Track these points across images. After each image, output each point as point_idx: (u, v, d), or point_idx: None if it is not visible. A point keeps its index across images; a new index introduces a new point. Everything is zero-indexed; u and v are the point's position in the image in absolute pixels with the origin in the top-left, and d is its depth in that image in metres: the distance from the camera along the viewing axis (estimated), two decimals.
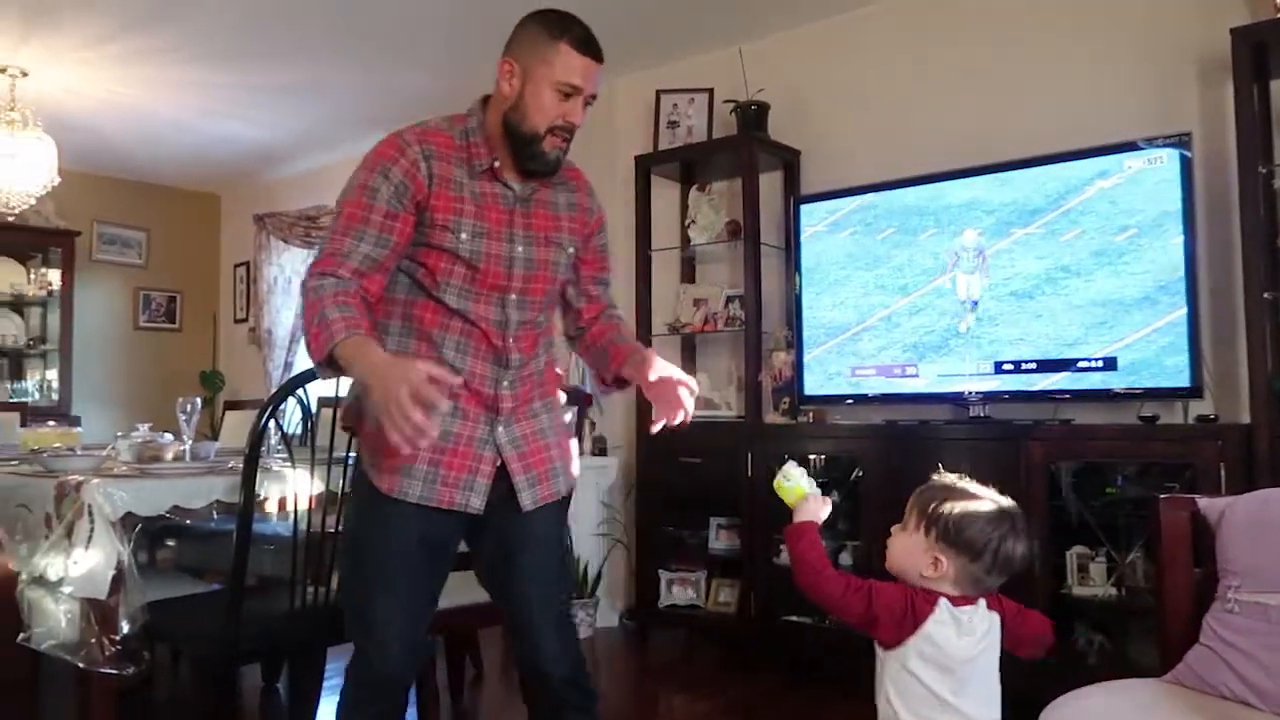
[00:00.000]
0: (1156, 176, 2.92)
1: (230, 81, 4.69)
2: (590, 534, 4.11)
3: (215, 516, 2.45)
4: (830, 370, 3.55)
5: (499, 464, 1.76)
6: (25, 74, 4.41)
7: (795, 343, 3.63)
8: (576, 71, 1.71)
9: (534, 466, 1.81)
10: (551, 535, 1.86)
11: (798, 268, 3.67)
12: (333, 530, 2.29)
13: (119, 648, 2.23)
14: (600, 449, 4.23)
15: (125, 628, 2.24)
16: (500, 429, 1.77)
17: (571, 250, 1.87)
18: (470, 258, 1.73)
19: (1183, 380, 2.85)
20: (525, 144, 1.73)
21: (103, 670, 2.22)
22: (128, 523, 2.28)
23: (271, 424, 2.43)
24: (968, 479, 1.53)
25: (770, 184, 4.00)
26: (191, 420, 2.86)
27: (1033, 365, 3.11)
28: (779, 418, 3.65)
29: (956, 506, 1.46)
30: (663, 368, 1.80)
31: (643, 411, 4.06)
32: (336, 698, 1.81)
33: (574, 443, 1.99)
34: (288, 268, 6.19)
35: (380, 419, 1.43)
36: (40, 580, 2.29)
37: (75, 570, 2.23)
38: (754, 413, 3.71)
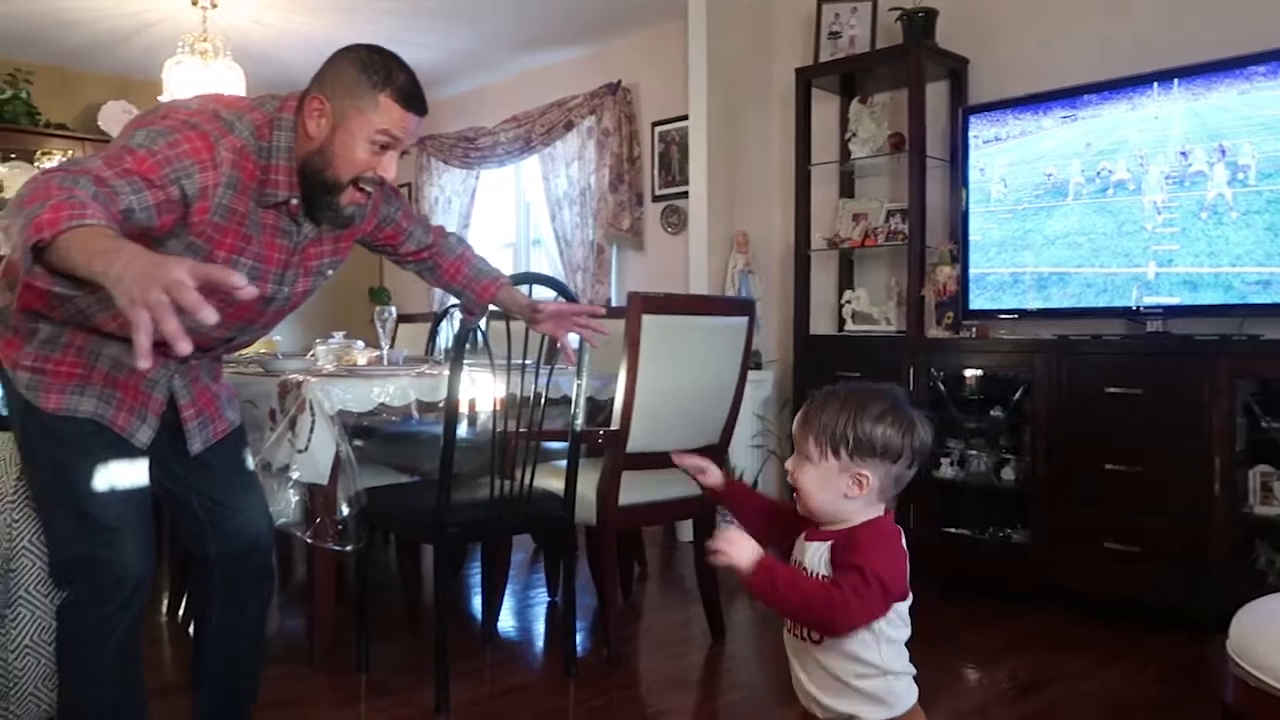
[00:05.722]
0: None
1: (397, 6, 4.87)
2: (746, 445, 4.22)
3: (416, 416, 2.66)
4: (997, 284, 3.49)
5: (167, 405, 1.73)
6: (215, 5, 4.69)
7: (961, 257, 3.59)
8: (395, 125, 1.58)
9: (205, 409, 1.79)
10: (243, 441, 1.88)
11: (964, 180, 3.59)
12: (523, 430, 2.47)
13: (341, 527, 2.49)
14: (755, 363, 4.31)
15: (344, 510, 2.51)
16: (176, 376, 1.74)
17: (331, 272, 1.81)
18: (230, 296, 1.59)
19: None
20: (323, 192, 1.60)
21: (326, 546, 2.50)
22: (343, 418, 2.52)
23: (451, 332, 2.64)
24: (846, 384, 1.42)
25: (935, 94, 3.90)
26: (387, 327, 3.09)
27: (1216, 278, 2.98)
28: (941, 332, 3.63)
29: (856, 417, 1.34)
30: (551, 311, 1.91)
31: (799, 327, 4.11)
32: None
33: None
34: (448, 188, 6.43)
35: (130, 313, 1.07)
36: (268, 467, 2.56)
37: (300, 459, 2.49)
38: (915, 327, 3.70)
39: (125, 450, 1.66)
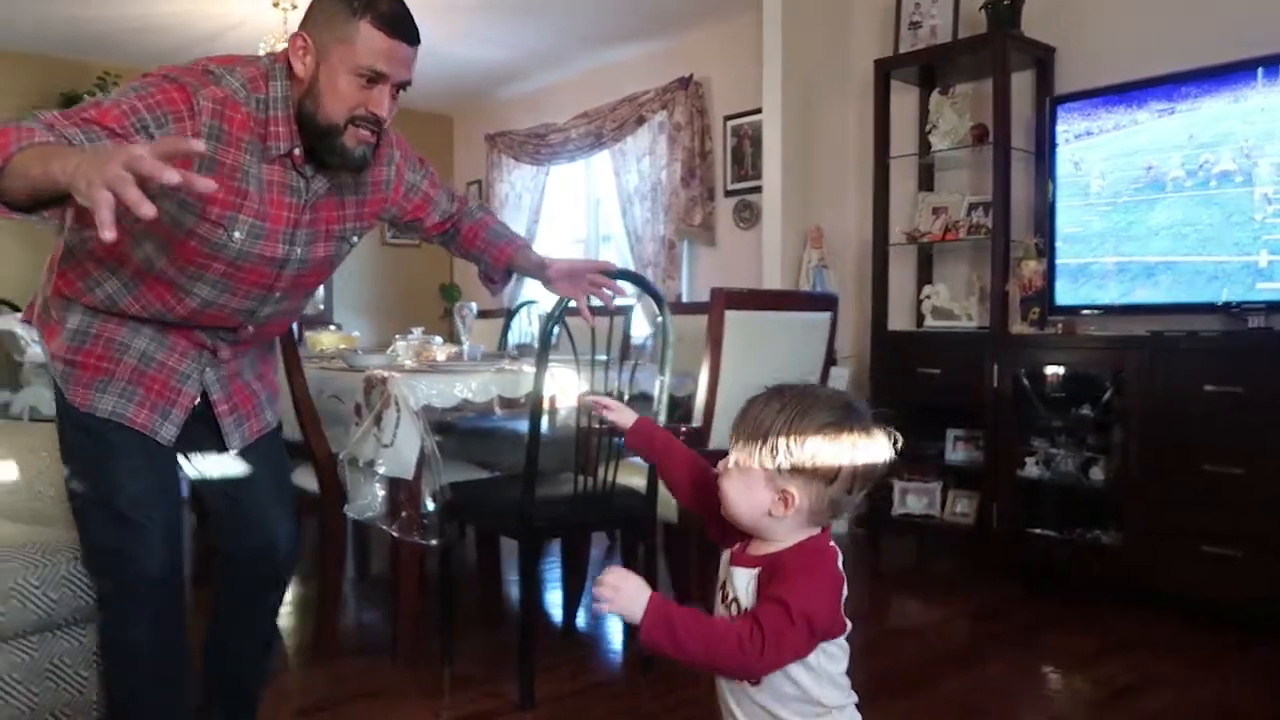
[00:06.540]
0: None
1: (469, 4, 4.90)
2: None
3: (498, 412, 2.67)
4: (1087, 279, 3.39)
5: (198, 400, 1.70)
6: (295, 6, 4.78)
7: (1047, 251, 3.49)
8: (380, 55, 1.45)
9: (241, 406, 1.76)
10: (277, 444, 1.84)
11: (1051, 173, 3.49)
12: (600, 426, 2.46)
13: (425, 521, 2.52)
14: (831, 360, 4.24)
15: (429, 504, 2.53)
16: (209, 370, 1.71)
17: (356, 239, 1.73)
18: (237, 258, 1.55)
19: None
20: (321, 136, 1.51)
21: (411, 539, 2.52)
22: (428, 413, 2.54)
23: (524, 328, 2.63)
24: (803, 383, 1.22)
25: (1019, 84, 3.79)
26: (467, 322, 3.11)
27: None
28: (1025, 328, 3.54)
29: (792, 423, 1.14)
30: (566, 265, 1.83)
31: (876, 323, 4.04)
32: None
33: (277, 368, 1.93)
34: (518, 184, 6.47)
35: (90, 194, 1.05)
36: (354, 462, 2.60)
37: (385, 453, 2.52)
38: (999, 323, 3.60)
39: (149, 447, 1.64)
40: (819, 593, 1.14)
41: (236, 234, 1.52)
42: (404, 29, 1.47)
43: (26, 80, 5.59)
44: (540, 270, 1.87)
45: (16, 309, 4.37)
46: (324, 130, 1.50)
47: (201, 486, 1.81)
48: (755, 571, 1.18)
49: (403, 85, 1.52)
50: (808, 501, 1.15)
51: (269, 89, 1.50)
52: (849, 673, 1.22)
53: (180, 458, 1.78)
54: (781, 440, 1.14)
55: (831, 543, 1.21)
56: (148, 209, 1.02)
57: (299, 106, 1.50)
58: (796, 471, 1.14)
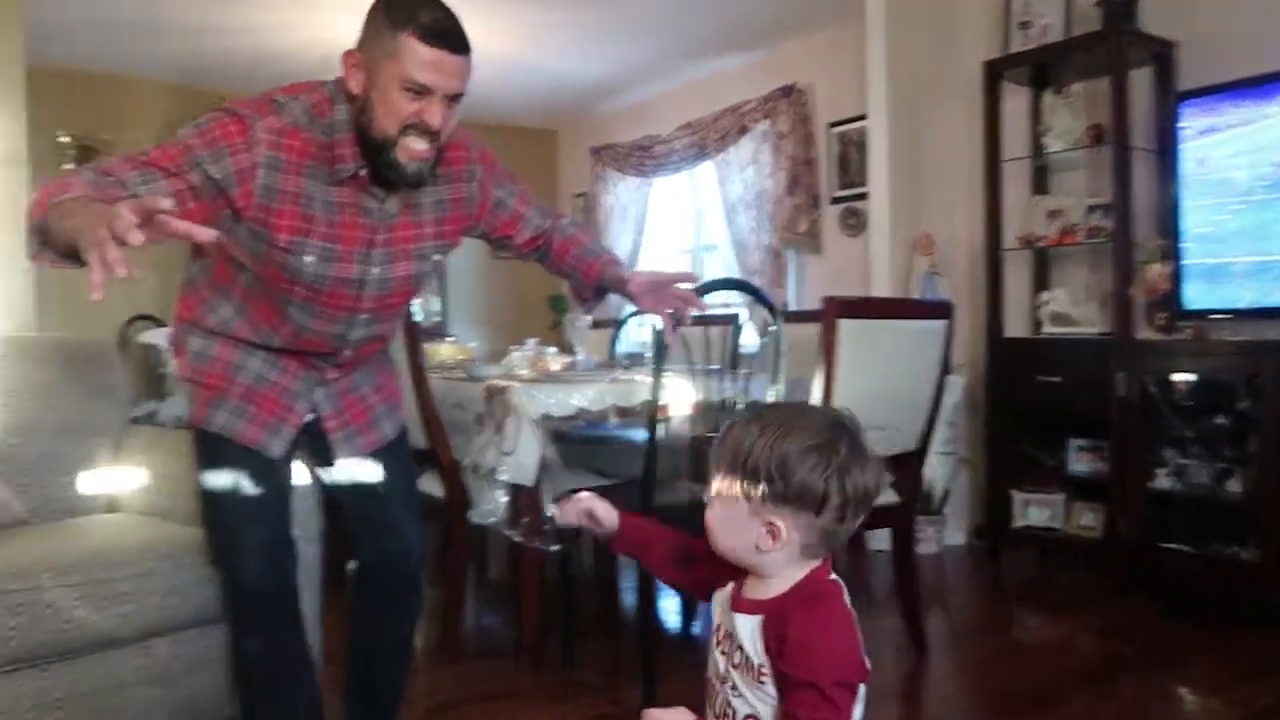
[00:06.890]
0: None
1: (568, 20, 4.97)
2: (936, 452, 4.08)
3: (615, 420, 2.72)
4: (1217, 281, 3.25)
5: (310, 417, 1.76)
6: None
7: (1173, 253, 3.36)
8: (424, 67, 1.43)
9: (352, 421, 1.80)
10: (400, 454, 1.88)
11: (1174, 173, 3.37)
12: (709, 435, 2.49)
13: (546, 527, 2.58)
14: (946, 368, 4.17)
15: (550, 510, 2.59)
16: (318, 389, 1.77)
17: (439, 257, 1.73)
18: (314, 282, 1.60)
19: None
20: (377, 152, 1.51)
21: (533, 545, 2.59)
22: (546, 422, 2.61)
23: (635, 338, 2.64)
24: (792, 402, 1.14)
25: (1136, 82, 3.67)
26: (581, 333, 3.18)
27: None
28: (1152, 334, 3.41)
29: (772, 447, 1.04)
30: (648, 277, 1.76)
31: (991, 330, 3.95)
32: None
33: (397, 375, 1.97)
34: (623, 197, 6.55)
35: (87, 257, 1.12)
36: (476, 469, 2.68)
37: (507, 461, 2.59)
38: (1122, 329, 3.49)
39: (257, 462, 1.72)
40: (842, 651, 1.06)
41: (307, 258, 1.56)
42: (449, 39, 1.45)
43: (159, 106, 5.94)
44: (623, 285, 1.82)
45: (161, 323, 4.64)
46: (378, 144, 1.50)
47: (335, 494, 1.89)
48: (759, 620, 1.09)
49: (455, 97, 1.50)
50: (797, 533, 1.06)
51: (333, 113, 1.53)
52: None
53: (318, 469, 1.89)
54: (762, 466, 1.05)
55: (833, 575, 1.12)
56: (121, 270, 1.09)
57: (356, 125, 1.52)
58: (780, 501, 1.05)
